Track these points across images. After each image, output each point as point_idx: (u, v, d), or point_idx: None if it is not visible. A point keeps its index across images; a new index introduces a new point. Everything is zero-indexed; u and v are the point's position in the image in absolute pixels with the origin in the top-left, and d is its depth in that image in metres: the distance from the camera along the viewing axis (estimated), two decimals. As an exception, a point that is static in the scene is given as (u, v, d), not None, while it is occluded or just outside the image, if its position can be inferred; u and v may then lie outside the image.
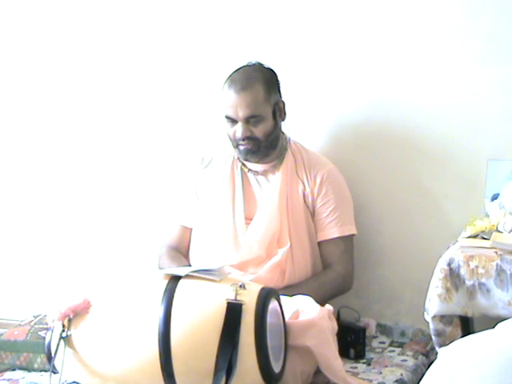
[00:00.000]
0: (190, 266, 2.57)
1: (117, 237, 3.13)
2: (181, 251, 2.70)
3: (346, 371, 2.25)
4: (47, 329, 2.19)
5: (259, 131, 2.52)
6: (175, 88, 2.98)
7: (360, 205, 2.70)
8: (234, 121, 2.53)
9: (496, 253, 2.19)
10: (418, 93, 2.66)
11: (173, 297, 1.98)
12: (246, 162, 2.63)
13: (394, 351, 2.54)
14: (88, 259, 3.15)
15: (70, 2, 3.09)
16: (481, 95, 2.58)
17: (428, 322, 2.30)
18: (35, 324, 2.47)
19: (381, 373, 2.34)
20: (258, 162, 2.60)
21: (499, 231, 2.30)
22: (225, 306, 1.94)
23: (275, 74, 2.59)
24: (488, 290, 2.19)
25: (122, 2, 3.02)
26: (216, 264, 2.25)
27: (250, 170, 2.63)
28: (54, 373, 2.05)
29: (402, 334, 2.68)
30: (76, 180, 3.17)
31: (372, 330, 2.67)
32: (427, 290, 2.28)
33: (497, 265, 2.17)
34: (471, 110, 2.60)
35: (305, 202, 2.58)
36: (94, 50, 3.07)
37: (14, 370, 2.39)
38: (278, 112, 2.57)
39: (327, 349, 2.13)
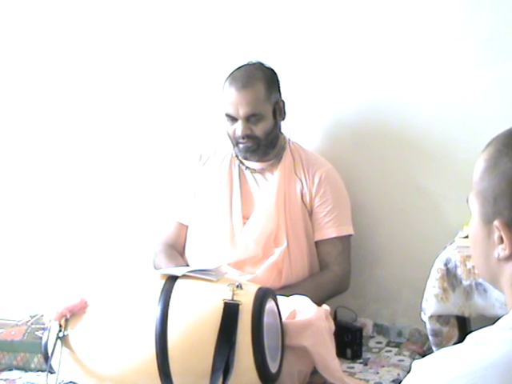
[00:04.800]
0: (187, 265, 2.57)
1: (114, 235, 3.13)
2: (177, 249, 2.69)
3: (343, 371, 2.25)
4: (44, 329, 2.19)
5: (259, 130, 2.53)
6: (174, 86, 2.98)
7: (357, 205, 2.70)
8: (234, 119, 2.53)
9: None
10: (415, 93, 2.66)
11: (170, 297, 1.98)
12: (244, 160, 2.63)
13: (390, 351, 2.55)
14: (85, 258, 3.15)
15: (70, 2, 3.08)
16: (478, 95, 2.58)
17: (425, 322, 2.31)
18: (32, 324, 2.47)
19: (378, 373, 2.34)
20: (256, 161, 2.61)
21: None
22: (222, 306, 1.94)
23: (275, 73, 2.59)
24: (485, 290, 2.19)
25: (121, 2, 3.02)
26: (213, 264, 2.25)
27: (247, 168, 2.63)
28: (51, 373, 2.05)
29: (399, 334, 2.68)
30: (72, 179, 3.17)
31: (369, 330, 2.68)
32: (424, 290, 2.28)
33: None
34: (469, 110, 2.61)
35: (302, 201, 2.58)
36: (93, 49, 3.07)
37: (10, 370, 2.38)
38: (278, 111, 2.58)
39: (324, 349, 2.13)
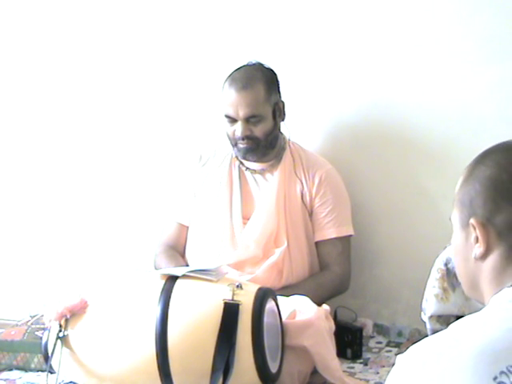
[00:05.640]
0: (187, 265, 2.57)
1: (114, 236, 3.13)
2: (177, 249, 2.69)
3: (343, 371, 2.25)
4: (44, 329, 2.19)
5: (259, 131, 2.53)
6: (174, 87, 2.98)
7: (357, 205, 2.70)
8: (233, 120, 2.53)
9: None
10: (415, 93, 2.66)
11: (170, 297, 1.98)
12: (243, 161, 2.63)
13: (390, 351, 2.55)
14: (85, 259, 3.15)
15: (70, 2, 3.08)
16: (479, 95, 2.58)
17: (425, 322, 2.30)
18: (32, 324, 2.47)
19: (378, 373, 2.34)
20: (256, 161, 2.61)
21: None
22: (222, 306, 1.94)
23: (275, 74, 2.59)
24: (485, 290, 2.19)
25: (121, 2, 3.02)
26: (213, 264, 2.25)
27: (247, 168, 2.63)
28: (51, 373, 2.05)
29: (399, 334, 2.68)
30: (73, 180, 3.16)
31: (369, 330, 2.68)
32: (424, 289, 2.28)
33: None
34: (469, 110, 2.60)
35: (303, 201, 2.58)
36: (93, 49, 3.07)
37: (10, 370, 2.39)
38: (278, 112, 2.58)
39: (324, 349, 2.13)
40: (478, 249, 1.17)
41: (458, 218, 1.22)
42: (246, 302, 1.96)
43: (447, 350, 1.04)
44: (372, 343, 2.62)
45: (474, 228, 1.17)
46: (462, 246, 1.22)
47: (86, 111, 3.12)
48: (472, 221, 1.17)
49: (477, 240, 1.17)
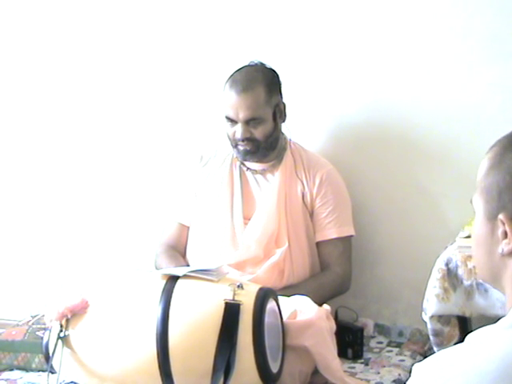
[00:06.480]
0: (188, 265, 2.57)
1: (115, 236, 3.13)
2: (178, 250, 2.69)
3: (344, 371, 2.24)
4: (45, 329, 2.19)
5: (259, 133, 2.52)
6: (175, 86, 2.98)
7: (358, 205, 2.70)
8: (233, 121, 2.53)
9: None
10: (416, 93, 2.67)
11: (171, 297, 1.98)
12: (244, 161, 2.63)
13: (391, 351, 2.54)
14: (86, 259, 3.15)
15: (70, 2, 3.09)
16: (479, 95, 2.59)
17: (426, 322, 2.31)
18: (33, 324, 2.47)
19: (379, 373, 2.34)
20: (256, 162, 2.61)
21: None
22: (223, 306, 1.94)
23: (277, 74, 2.58)
24: (486, 290, 2.19)
25: (122, 2, 3.02)
26: (214, 264, 2.25)
27: (248, 168, 2.63)
28: (52, 373, 2.05)
29: (400, 334, 2.68)
30: (73, 179, 3.17)
31: (370, 330, 2.67)
32: (425, 290, 2.28)
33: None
34: (470, 110, 2.61)
35: (303, 202, 2.58)
36: (93, 49, 3.07)
37: (11, 370, 2.38)
38: (279, 114, 2.57)
39: (325, 349, 2.13)
40: (507, 245, 1.13)
41: (482, 207, 1.18)
42: (247, 302, 1.96)
43: (466, 367, 1.02)
44: (373, 343, 2.62)
45: (503, 223, 1.12)
46: (485, 237, 1.17)
47: (87, 112, 3.12)
48: (501, 216, 1.12)
49: (505, 235, 1.13)
